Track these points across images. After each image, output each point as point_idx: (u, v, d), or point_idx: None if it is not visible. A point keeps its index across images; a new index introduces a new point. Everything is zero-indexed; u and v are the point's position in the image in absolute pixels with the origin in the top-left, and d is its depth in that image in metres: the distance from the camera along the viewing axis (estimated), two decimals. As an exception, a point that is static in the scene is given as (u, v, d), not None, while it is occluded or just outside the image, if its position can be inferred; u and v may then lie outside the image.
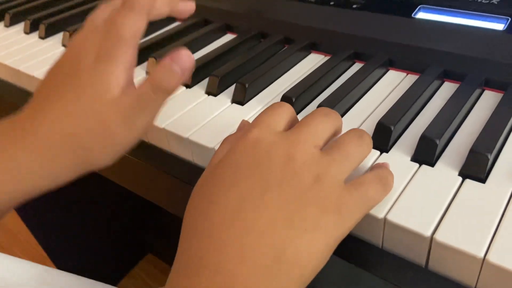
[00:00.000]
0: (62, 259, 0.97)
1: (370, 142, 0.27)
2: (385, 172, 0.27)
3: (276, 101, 0.37)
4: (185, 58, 0.29)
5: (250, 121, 0.35)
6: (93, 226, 1.01)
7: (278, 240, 0.23)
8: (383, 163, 0.29)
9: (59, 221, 0.96)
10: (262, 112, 0.28)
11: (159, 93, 0.29)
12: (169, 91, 0.29)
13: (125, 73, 0.29)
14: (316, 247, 0.23)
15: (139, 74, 0.43)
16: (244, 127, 0.30)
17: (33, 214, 0.87)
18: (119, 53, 0.29)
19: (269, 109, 0.28)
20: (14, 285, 0.28)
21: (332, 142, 0.27)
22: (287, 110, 0.28)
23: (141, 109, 0.29)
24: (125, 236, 1.13)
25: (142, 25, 0.30)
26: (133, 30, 0.29)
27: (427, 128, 0.30)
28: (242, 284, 0.22)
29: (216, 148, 0.33)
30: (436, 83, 0.36)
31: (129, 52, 0.29)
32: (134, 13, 0.30)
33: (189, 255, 0.24)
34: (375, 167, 0.28)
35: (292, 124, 0.29)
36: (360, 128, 0.32)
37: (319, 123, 0.27)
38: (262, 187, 0.24)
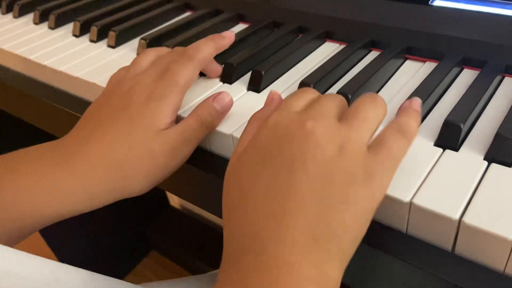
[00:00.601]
0: (66, 256, 0.97)
1: (384, 104, 0.27)
2: (403, 119, 0.26)
3: (292, 89, 0.37)
4: (225, 99, 0.33)
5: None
6: (97, 223, 1.01)
7: (310, 219, 0.23)
8: (406, 103, 0.28)
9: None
10: (285, 98, 0.28)
11: (201, 127, 0.32)
12: (210, 127, 0.33)
13: (173, 113, 0.32)
14: (348, 220, 0.23)
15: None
16: (271, 102, 0.31)
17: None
18: (170, 95, 0.32)
19: (292, 94, 0.28)
20: (27, 280, 0.28)
21: (347, 112, 0.27)
22: (310, 93, 0.28)
23: (184, 141, 0.32)
24: (129, 233, 1.13)
25: (195, 75, 0.34)
26: (186, 78, 0.33)
27: (450, 113, 0.29)
28: (285, 261, 0.22)
29: (234, 134, 0.32)
30: (455, 70, 0.36)
31: (179, 96, 0.33)
32: (191, 64, 0.34)
33: (232, 244, 0.25)
34: (399, 110, 0.28)
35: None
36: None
37: (331, 100, 0.27)
38: (287, 169, 0.24)
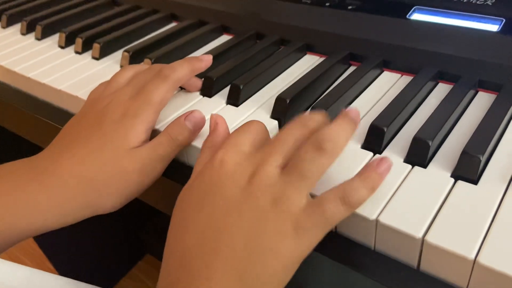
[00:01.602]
0: (60, 260, 0.97)
1: (332, 149, 0.25)
2: (354, 186, 0.25)
3: (271, 103, 0.37)
4: (197, 117, 0.33)
5: (244, 122, 0.36)
6: (92, 226, 1.01)
7: (239, 263, 0.24)
8: (374, 163, 0.26)
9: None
10: (232, 132, 0.29)
11: (173, 145, 0.32)
12: (181, 145, 0.33)
13: (146, 131, 0.33)
14: (275, 267, 0.24)
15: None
16: (215, 127, 0.31)
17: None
18: (144, 113, 0.32)
19: (239, 128, 0.29)
20: (1, 286, 0.28)
21: (291, 158, 0.26)
22: (256, 127, 0.29)
23: (156, 158, 0.32)
24: (124, 237, 1.13)
25: (169, 96, 0.35)
26: (160, 98, 0.34)
27: (420, 129, 0.30)
28: None
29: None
30: (430, 84, 0.36)
31: (153, 115, 0.33)
32: (165, 84, 0.34)
33: (167, 275, 0.26)
34: (361, 170, 0.26)
35: (264, 141, 0.30)
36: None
37: (288, 135, 0.27)
38: (223, 211, 0.26)
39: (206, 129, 0.35)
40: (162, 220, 1.19)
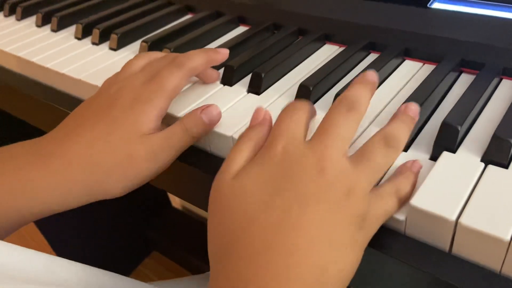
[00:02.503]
0: (67, 256, 0.97)
1: (398, 146, 0.27)
2: (403, 184, 0.26)
3: (292, 91, 0.37)
4: (214, 111, 0.33)
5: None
6: (98, 223, 1.01)
7: (320, 259, 0.23)
8: (408, 164, 0.28)
9: (65, 219, 0.96)
10: (279, 119, 0.28)
11: (186, 137, 0.32)
12: (195, 137, 0.32)
13: (157, 117, 0.32)
14: (354, 260, 0.24)
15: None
16: (258, 120, 0.29)
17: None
18: (157, 99, 0.32)
19: (287, 113, 0.28)
20: (20, 272, 0.28)
21: (360, 150, 0.27)
22: (304, 110, 0.28)
23: (167, 147, 0.31)
24: (130, 234, 1.13)
25: (183, 84, 0.34)
26: (174, 85, 0.33)
27: (447, 115, 0.30)
28: None
29: (235, 136, 0.33)
30: (453, 72, 0.36)
31: (165, 102, 0.32)
32: (180, 71, 0.33)
33: (233, 279, 0.23)
34: (398, 171, 0.28)
35: (312, 117, 0.29)
36: (380, 118, 0.32)
37: (342, 125, 0.27)
38: (299, 204, 0.24)
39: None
40: (169, 217, 1.19)
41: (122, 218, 1.08)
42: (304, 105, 0.28)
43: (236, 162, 0.27)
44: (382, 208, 0.25)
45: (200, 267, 1.06)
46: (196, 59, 0.34)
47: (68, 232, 0.97)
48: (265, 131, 0.28)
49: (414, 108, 0.29)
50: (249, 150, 0.27)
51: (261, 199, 0.24)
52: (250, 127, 0.29)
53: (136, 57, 0.37)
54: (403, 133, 0.28)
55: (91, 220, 0.99)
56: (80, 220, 0.97)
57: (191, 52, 0.35)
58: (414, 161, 0.28)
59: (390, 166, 0.28)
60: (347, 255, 0.24)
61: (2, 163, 0.31)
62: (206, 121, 0.32)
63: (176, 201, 1.21)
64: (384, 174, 0.28)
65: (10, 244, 0.29)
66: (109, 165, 0.30)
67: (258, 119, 0.29)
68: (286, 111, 0.28)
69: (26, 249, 0.30)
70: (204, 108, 0.33)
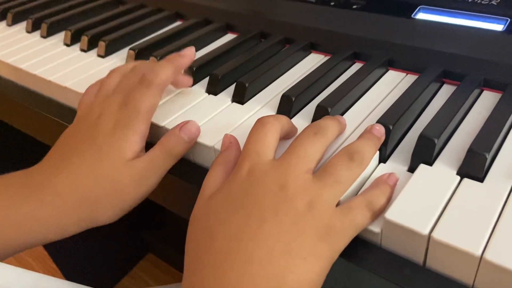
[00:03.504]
0: (63, 259, 0.97)
1: (361, 161, 0.28)
2: (375, 196, 0.27)
3: (276, 101, 0.37)
4: (192, 128, 0.33)
5: (250, 120, 0.36)
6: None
7: (277, 269, 0.24)
8: (384, 177, 0.28)
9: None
10: (250, 136, 0.29)
11: (169, 157, 0.32)
12: (177, 156, 0.33)
13: (140, 140, 0.32)
14: (315, 272, 0.24)
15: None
16: (225, 145, 0.31)
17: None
18: (135, 124, 0.32)
19: (256, 132, 0.29)
20: None
21: (323, 166, 0.27)
22: (273, 126, 0.29)
23: (152, 170, 0.32)
24: (126, 236, 1.13)
25: (157, 101, 0.34)
26: (148, 105, 0.33)
27: (425, 127, 0.30)
28: None
29: (217, 146, 0.33)
30: (435, 83, 0.36)
31: (144, 123, 0.33)
32: (150, 90, 0.33)
33: (193, 283, 0.25)
34: (375, 182, 0.28)
35: (287, 132, 0.30)
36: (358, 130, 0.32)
37: (308, 146, 0.28)
38: (258, 217, 0.25)
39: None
40: (164, 220, 1.19)
41: (117, 221, 1.08)
42: (272, 120, 0.29)
43: (208, 186, 0.29)
44: (351, 221, 0.26)
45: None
46: (164, 72, 0.35)
47: (62, 235, 0.97)
48: (233, 154, 0.30)
49: (378, 129, 0.30)
50: (220, 174, 0.29)
51: (225, 213, 0.26)
52: (220, 153, 0.31)
53: (108, 75, 0.37)
54: (367, 149, 0.28)
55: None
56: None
57: (157, 66, 0.35)
58: (390, 174, 0.28)
59: (354, 180, 0.27)
60: (307, 266, 0.24)
61: (1, 194, 0.32)
62: (186, 139, 0.33)
63: (171, 204, 1.21)
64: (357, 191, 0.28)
65: (7, 265, 0.29)
66: (98, 196, 0.31)
67: (225, 145, 0.31)
68: (254, 130, 0.29)
69: (14, 267, 0.31)
70: (182, 126, 0.33)
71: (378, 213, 0.27)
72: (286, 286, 0.23)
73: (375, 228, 0.26)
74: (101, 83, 0.36)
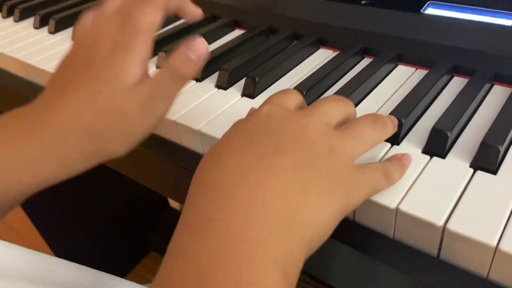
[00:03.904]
0: (65, 257, 0.98)
1: (385, 127, 0.28)
2: (392, 166, 0.27)
3: (286, 95, 0.37)
4: (200, 46, 0.29)
5: None
6: (96, 224, 1.01)
7: (290, 202, 0.22)
8: (398, 155, 0.29)
9: (63, 219, 0.96)
10: (272, 95, 0.28)
11: (176, 80, 0.29)
12: (185, 78, 0.30)
13: (141, 64, 0.29)
14: (328, 211, 0.23)
15: (149, 68, 0.44)
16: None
17: (37, 210, 0.88)
18: (136, 44, 0.29)
19: (279, 92, 0.29)
20: (18, 271, 0.28)
21: (346, 123, 0.27)
22: (297, 94, 0.29)
23: (159, 96, 0.29)
24: (128, 234, 1.13)
25: (158, 18, 0.31)
26: (149, 22, 0.30)
27: (438, 120, 0.30)
28: (251, 241, 0.21)
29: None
30: (445, 77, 0.36)
31: (146, 44, 0.30)
32: (151, 6, 0.30)
33: (196, 212, 0.23)
34: (390, 158, 0.29)
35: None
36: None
37: (330, 105, 0.27)
38: (275, 149, 0.24)
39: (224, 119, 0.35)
40: (167, 217, 1.19)
41: (120, 218, 1.08)
42: (296, 91, 0.29)
43: (227, 133, 0.27)
44: (369, 178, 0.25)
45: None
46: None
47: (66, 232, 0.97)
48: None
49: (394, 118, 0.30)
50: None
51: (241, 145, 0.25)
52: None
53: None
54: (389, 123, 0.28)
55: (89, 220, 0.99)
56: (78, 220, 0.97)
57: None
58: (404, 154, 0.29)
59: (376, 143, 0.28)
60: (320, 204, 0.23)
61: None
62: (194, 58, 0.29)
63: (174, 202, 1.21)
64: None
65: (11, 244, 0.29)
66: (101, 127, 0.28)
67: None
68: (279, 91, 0.29)
69: (27, 249, 0.30)
70: (190, 44, 0.29)
71: (393, 181, 0.27)
72: (297, 219, 0.22)
73: (391, 204, 0.26)
74: (99, 8, 0.32)
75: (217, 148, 0.26)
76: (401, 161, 0.28)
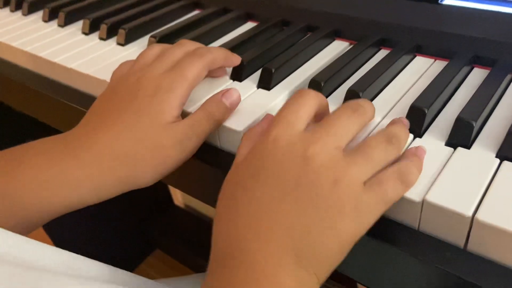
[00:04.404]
0: (70, 254, 0.97)
1: (399, 145, 0.27)
2: (408, 166, 0.26)
3: (302, 87, 0.37)
4: (233, 95, 0.33)
5: (277, 106, 0.35)
6: (101, 221, 1.01)
7: (296, 242, 0.24)
8: (412, 150, 0.28)
9: (67, 216, 0.96)
10: (285, 105, 0.28)
11: (211, 122, 0.32)
12: (218, 121, 0.33)
13: (180, 106, 0.32)
14: (332, 246, 0.24)
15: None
16: (265, 121, 0.30)
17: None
18: (178, 88, 0.32)
19: (292, 102, 0.28)
20: (42, 269, 0.28)
21: (358, 145, 0.27)
22: (312, 100, 0.28)
23: (193, 134, 0.32)
24: (133, 232, 1.13)
25: (203, 74, 0.34)
26: (195, 74, 0.33)
27: (462, 110, 0.29)
28: (268, 273, 0.23)
29: (245, 131, 0.33)
30: (465, 68, 0.36)
31: (187, 90, 0.33)
32: (200, 61, 0.33)
33: (220, 246, 0.26)
34: (404, 155, 0.28)
35: (321, 112, 0.29)
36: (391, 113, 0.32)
37: (343, 122, 0.27)
38: (279, 194, 0.25)
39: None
40: (171, 216, 1.19)
41: (124, 216, 1.08)
42: (313, 94, 0.28)
43: (239, 153, 0.29)
44: (380, 195, 0.25)
45: (203, 265, 1.06)
46: (217, 52, 0.35)
47: (71, 230, 0.97)
48: (266, 124, 0.30)
49: (406, 120, 0.30)
50: (251, 142, 0.29)
51: (246, 184, 0.26)
52: (255, 126, 0.31)
53: (148, 48, 0.36)
54: (404, 134, 0.28)
55: (93, 218, 0.99)
56: (83, 218, 0.97)
57: (211, 46, 0.36)
58: (417, 147, 0.28)
59: (389, 162, 0.27)
60: (328, 238, 0.24)
61: (35, 156, 0.31)
62: (228, 104, 0.33)
63: (178, 199, 1.20)
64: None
65: (30, 240, 0.29)
66: (137, 155, 0.31)
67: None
68: (291, 99, 0.29)
69: (48, 245, 0.30)
70: (225, 92, 0.33)
71: (409, 185, 0.26)
72: (303, 260, 0.24)
73: (416, 197, 0.25)
74: (139, 55, 0.36)
75: (231, 185, 0.28)
76: (416, 154, 0.27)
